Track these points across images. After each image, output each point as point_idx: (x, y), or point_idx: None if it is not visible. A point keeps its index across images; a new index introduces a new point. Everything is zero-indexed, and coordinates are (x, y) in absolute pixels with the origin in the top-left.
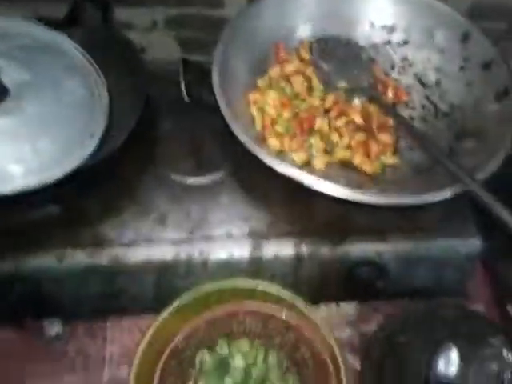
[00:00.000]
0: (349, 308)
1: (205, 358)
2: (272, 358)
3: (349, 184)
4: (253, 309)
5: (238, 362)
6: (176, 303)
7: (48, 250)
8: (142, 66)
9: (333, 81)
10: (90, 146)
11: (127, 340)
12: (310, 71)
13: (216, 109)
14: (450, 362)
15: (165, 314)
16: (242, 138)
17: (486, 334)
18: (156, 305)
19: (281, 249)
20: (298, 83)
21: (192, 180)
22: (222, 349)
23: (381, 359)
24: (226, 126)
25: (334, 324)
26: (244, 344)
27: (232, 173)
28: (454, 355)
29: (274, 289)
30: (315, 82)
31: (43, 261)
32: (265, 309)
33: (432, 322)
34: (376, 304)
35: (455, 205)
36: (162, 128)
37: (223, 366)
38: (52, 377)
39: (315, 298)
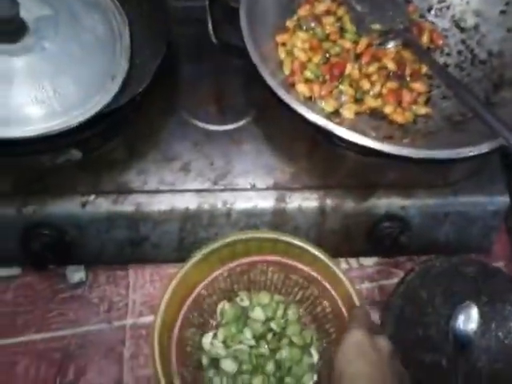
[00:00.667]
0: (370, 263)
1: (225, 308)
2: (291, 313)
3: (379, 135)
4: (275, 259)
5: (258, 314)
6: (200, 253)
7: (71, 197)
8: (165, 5)
9: (366, 22)
10: (112, 88)
11: (149, 288)
12: (342, 11)
13: (243, 51)
14: (470, 319)
15: (189, 263)
16: (270, 82)
17: (506, 291)
18: (178, 254)
19: (305, 201)
20: (329, 24)
21: (215, 127)
22: (243, 300)
23: (401, 312)
24: (252, 70)
25: (354, 278)
26: (264, 297)
27: (257, 120)
28: (474, 313)
29: (297, 240)
30: (347, 23)
31: (66, 207)
32: (287, 260)
33: (453, 277)
34: (397, 260)
35: (485, 161)
36: (184, 70)
37: (243, 318)
38: (75, 322)
39: (338, 252)
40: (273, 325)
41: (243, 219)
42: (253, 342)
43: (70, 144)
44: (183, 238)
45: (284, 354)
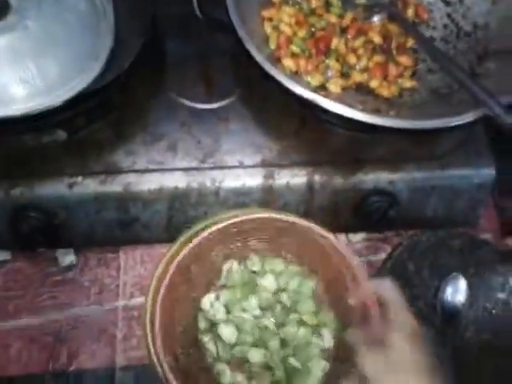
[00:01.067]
0: (358, 238)
1: (233, 268)
2: (306, 288)
3: (365, 109)
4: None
5: (269, 282)
6: (189, 232)
7: (58, 178)
8: None
9: None
10: (96, 67)
11: (140, 269)
12: None
13: (228, 27)
14: (457, 291)
15: (178, 242)
16: (257, 57)
17: (493, 261)
18: (168, 234)
19: (293, 178)
20: None
21: (203, 106)
22: (254, 264)
23: None
24: (239, 46)
25: None
26: (278, 264)
27: (243, 98)
28: (461, 284)
29: (287, 217)
30: None
31: (54, 189)
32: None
33: (440, 250)
34: (385, 235)
35: (470, 133)
36: (170, 50)
37: (251, 284)
38: (67, 305)
39: (326, 228)
40: (283, 297)
41: (232, 197)
42: (258, 312)
43: (54, 124)
44: (172, 217)
45: (291, 330)
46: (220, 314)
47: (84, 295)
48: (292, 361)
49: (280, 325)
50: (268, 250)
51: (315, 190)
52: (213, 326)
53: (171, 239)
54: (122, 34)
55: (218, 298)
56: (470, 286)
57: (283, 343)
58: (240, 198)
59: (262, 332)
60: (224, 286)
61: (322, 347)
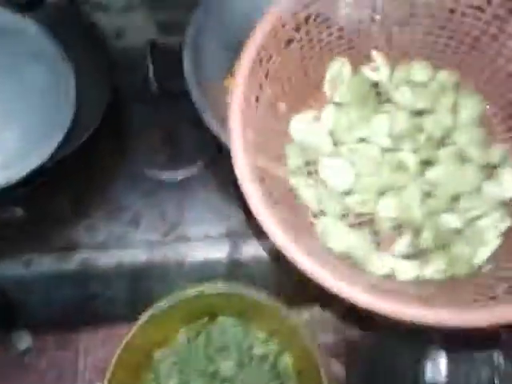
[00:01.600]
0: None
1: (343, 72)
2: (469, 110)
3: None
4: None
5: (404, 96)
6: (150, 312)
7: (14, 256)
8: (108, 51)
9: None
10: (56, 139)
11: (101, 352)
12: None
13: (188, 97)
14: (438, 367)
15: (139, 323)
16: (217, 130)
17: (475, 336)
18: (131, 311)
19: (259, 249)
20: None
21: (166, 175)
22: (378, 70)
23: (368, 363)
24: (200, 115)
25: (317, 328)
26: (420, 70)
27: (207, 166)
28: (442, 361)
29: (252, 293)
30: None
31: (9, 267)
32: None
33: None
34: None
35: None
36: (133, 119)
37: (373, 100)
38: None
39: (299, 300)
40: (429, 122)
41: (197, 270)
42: (387, 142)
43: (10, 201)
44: (134, 293)
45: (444, 170)
46: (325, 142)
47: (39, 381)
48: (447, 218)
49: (424, 164)
50: (402, 47)
51: (283, 260)
52: (310, 164)
53: (134, 318)
54: (83, 103)
55: (317, 119)
56: (452, 362)
57: (428, 192)
58: (205, 271)
59: (395, 173)
60: (329, 102)
61: (500, 198)
